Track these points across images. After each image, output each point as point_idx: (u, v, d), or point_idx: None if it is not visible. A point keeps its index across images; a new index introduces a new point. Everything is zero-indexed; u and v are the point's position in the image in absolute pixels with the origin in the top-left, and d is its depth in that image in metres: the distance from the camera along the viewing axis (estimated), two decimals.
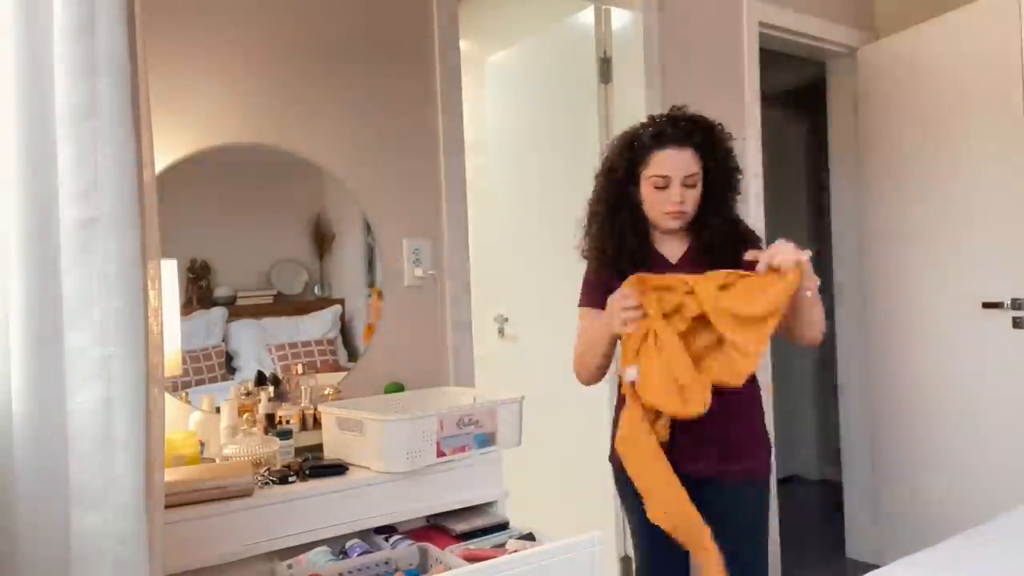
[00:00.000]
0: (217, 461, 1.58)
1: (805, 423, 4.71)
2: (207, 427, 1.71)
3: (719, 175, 1.67)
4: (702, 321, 1.42)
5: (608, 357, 1.63)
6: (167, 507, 1.24)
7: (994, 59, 2.71)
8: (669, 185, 1.61)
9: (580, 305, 1.72)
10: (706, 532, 1.40)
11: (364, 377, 1.98)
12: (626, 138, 1.67)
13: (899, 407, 3.08)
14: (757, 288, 1.39)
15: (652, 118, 1.68)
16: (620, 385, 1.56)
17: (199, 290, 1.82)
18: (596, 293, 1.67)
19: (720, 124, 1.69)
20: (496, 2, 3.30)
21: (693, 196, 1.63)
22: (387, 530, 1.58)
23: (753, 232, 1.73)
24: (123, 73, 0.95)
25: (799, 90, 4.40)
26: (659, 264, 1.66)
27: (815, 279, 1.48)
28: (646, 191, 1.64)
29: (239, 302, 1.88)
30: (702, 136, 1.64)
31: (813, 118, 4.39)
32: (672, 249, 1.70)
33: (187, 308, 1.78)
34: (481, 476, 1.67)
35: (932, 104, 2.93)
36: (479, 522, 1.61)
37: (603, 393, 2.51)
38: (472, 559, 1.38)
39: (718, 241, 1.65)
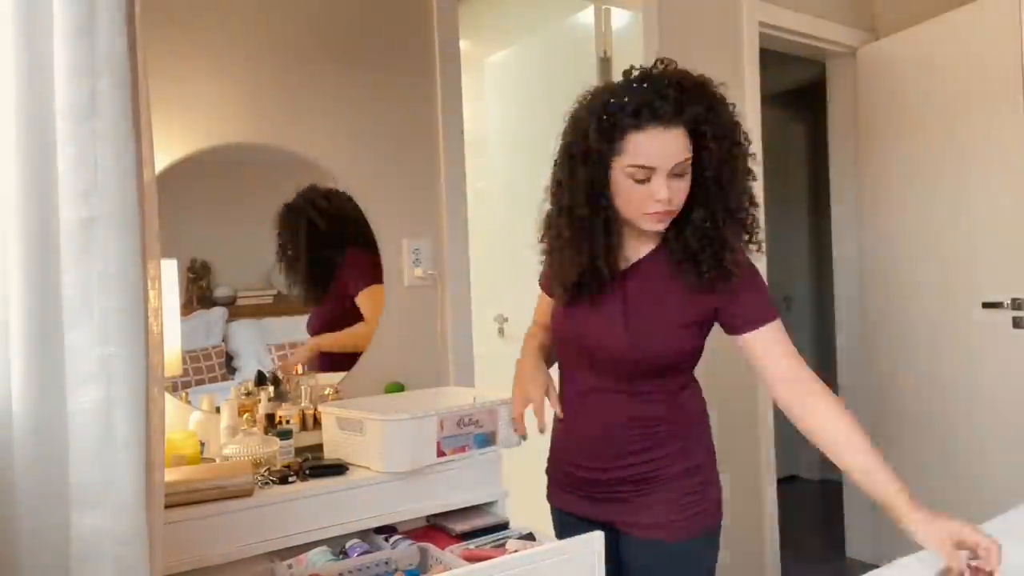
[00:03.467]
0: (217, 461, 1.58)
1: None
2: (207, 427, 1.71)
3: (718, 161, 1.24)
4: None
5: None
6: (167, 507, 1.24)
7: (994, 59, 2.71)
8: (651, 178, 1.23)
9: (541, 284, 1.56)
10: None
11: (364, 377, 1.99)
12: (595, 111, 1.26)
13: (899, 407, 3.09)
14: None
15: (627, 80, 1.27)
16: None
17: (199, 290, 1.82)
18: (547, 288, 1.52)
19: (718, 85, 1.27)
20: (496, 2, 3.30)
21: (682, 189, 1.25)
22: (387, 530, 1.58)
23: (745, 265, 1.30)
24: (123, 73, 0.95)
25: (799, 90, 4.40)
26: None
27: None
28: (619, 184, 1.26)
29: (239, 302, 1.88)
30: (699, 106, 1.23)
31: (813, 118, 4.39)
32: (635, 249, 1.37)
33: (187, 308, 1.78)
34: (481, 476, 1.67)
35: (932, 104, 2.93)
36: (479, 522, 1.61)
37: None
38: (472, 559, 1.37)
39: (692, 253, 1.27)
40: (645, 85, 1.23)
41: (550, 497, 1.54)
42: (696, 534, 1.37)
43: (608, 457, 1.37)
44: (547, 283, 1.52)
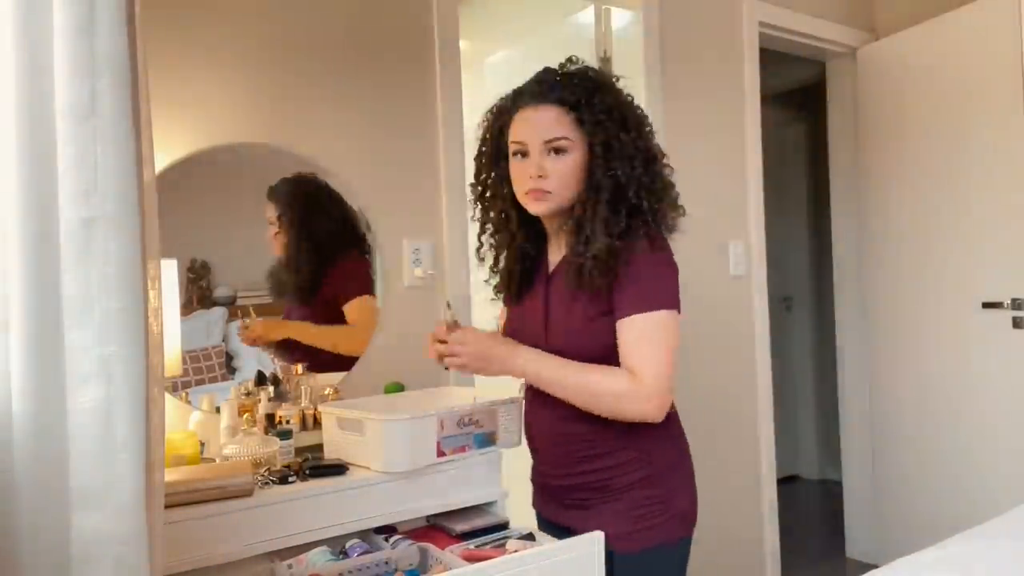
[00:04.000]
0: (217, 461, 1.58)
1: (805, 423, 4.71)
2: (207, 427, 1.71)
3: (601, 142, 1.25)
4: None
5: None
6: (167, 507, 1.23)
7: (994, 59, 2.71)
8: (529, 155, 1.28)
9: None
10: None
11: (364, 377, 1.98)
12: (490, 109, 1.39)
13: (899, 407, 3.09)
14: None
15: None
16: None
17: (199, 290, 1.82)
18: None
19: (617, 79, 1.33)
20: (496, 2, 3.30)
21: (562, 167, 1.27)
22: (387, 530, 1.58)
23: (641, 251, 1.26)
24: (123, 73, 0.95)
25: (799, 90, 4.40)
26: (538, 275, 1.45)
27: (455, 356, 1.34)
28: (511, 167, 1.33)
29: (239, 302, 1.88)
30: (579, 90, 1.26)
31: (813, 118, 4.40)
32: (555, 254, 1.41)
33: (187, 308, 1.78)
34: (481, 476, 1.67)
35: (932, 104, 2.93)
36: (479, 522, 1.61)
37: None
38: (472, 559, 1.37)
39: (587, 267, 1.26)
40: (532, 77, 1.32)
41: (534, 503, 1.58)
42: (649, 546, 1.34)
43: (565, 463, 1.40)
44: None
